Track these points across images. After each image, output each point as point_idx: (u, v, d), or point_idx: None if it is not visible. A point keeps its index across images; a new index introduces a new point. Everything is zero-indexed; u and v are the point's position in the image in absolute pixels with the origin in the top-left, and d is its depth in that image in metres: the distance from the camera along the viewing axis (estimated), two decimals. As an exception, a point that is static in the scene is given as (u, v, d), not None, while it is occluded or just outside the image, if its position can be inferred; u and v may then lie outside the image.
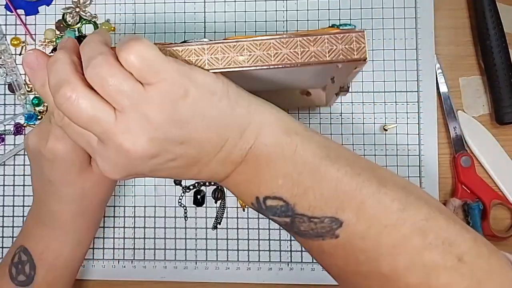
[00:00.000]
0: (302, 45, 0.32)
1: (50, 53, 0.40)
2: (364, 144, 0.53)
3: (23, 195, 0.55)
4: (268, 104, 0.35)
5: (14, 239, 0.55)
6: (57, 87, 0.30)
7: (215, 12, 0.55)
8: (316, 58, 0.32)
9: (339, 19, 0.54)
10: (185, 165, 0.32)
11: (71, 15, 0.55)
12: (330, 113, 0.53)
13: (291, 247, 0.53)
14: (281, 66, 0.33)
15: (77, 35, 0.55)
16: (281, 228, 0.53)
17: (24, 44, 0.56)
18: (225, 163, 0.33)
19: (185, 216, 0.54)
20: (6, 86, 0.56)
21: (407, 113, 0.53)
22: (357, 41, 0.32)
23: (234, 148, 0.33)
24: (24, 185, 0.55)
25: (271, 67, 0.33)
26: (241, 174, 0.34)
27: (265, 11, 0.54)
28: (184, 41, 0.34)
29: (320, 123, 0.53)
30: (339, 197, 0.32)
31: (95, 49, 0.31)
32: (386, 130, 0.53)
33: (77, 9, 0.55)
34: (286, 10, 0.54)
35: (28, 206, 0.55)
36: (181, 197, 0.54)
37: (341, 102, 0.53)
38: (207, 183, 0.54)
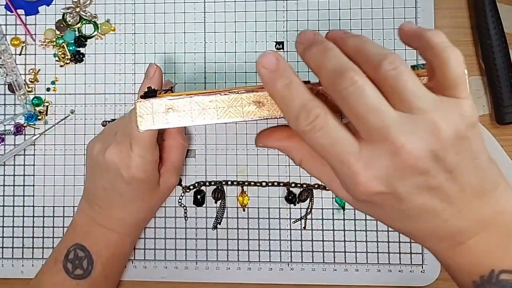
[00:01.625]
0: None
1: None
2: (364, 144, 0.53)
3: (23, 195, 0.55)
4: None
5: (15, 239, 0.55)
6: (338, 72, 0.28)
7: (215, 12, 0.55)
8: None
9: (339, 19, 0.54)
10: (437, 204, 0.29)
11: (71, 15, 0.55)
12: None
13: (291, 247, 0.53)
14: None
15: (77, 35, 0.55)
16: (281, 228, 0.53)
17: (24, 44, 0.56)
18: (473, 220, 0.30)
19: (185, 216, 0.54)
20: (6, 86, 0.56)
21: (407, 113, 0.53)
22: None
23: (486, 205, 0.30)
24: (24, 185, 0.55)
25: None
26: (484, 240, 0.31)
27: (265, 11, 0.54)
28: None
29: (320, 123, 0.53)
30: None
31: (383, 48, 0.29)
32: None
33: (77, 9, 0.55)
34: (286, 10, 0.54)
35: (28, 206, 0.55)
36: (181, 197, 0.54)
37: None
38: (207, 183, 0.54)
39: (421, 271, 0.52)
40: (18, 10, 0.56)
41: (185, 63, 0.55)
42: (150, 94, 0.36)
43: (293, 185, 0.53)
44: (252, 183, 0.54)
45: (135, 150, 0.43)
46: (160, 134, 0.50)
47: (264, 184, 0.54)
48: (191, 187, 0.54)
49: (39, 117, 0.55)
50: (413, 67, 0.35)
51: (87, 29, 0.55)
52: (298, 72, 0.54)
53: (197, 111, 0.34)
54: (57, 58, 0.55)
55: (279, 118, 0.33)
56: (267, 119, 0.33)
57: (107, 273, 0.48)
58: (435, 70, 0.29)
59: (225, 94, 0.33)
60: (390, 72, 0.28)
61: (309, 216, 0.53)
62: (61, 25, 0.55)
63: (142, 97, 0.35)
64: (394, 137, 0.27)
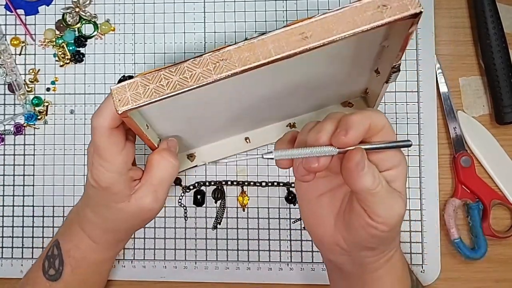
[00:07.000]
0: (358, 12, 0.32)
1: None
2: (364, 144, 0.53)
3: (23, 195, 0.55)
4: None
5: (14, 239, 0.55)
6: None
7: (214, 12, 0.55)
8: (374, 21, 0.32)
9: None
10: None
11: (71, 15, 0.55)
12: (330, 113, 0.53)
13: (291, 247, 0.53)
14: (344, 35, 0.32)
15: (77, 35, 0.55)
16: (280, 228, 0.53)
17: (24, 44, 0.56)
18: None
19: (185, 216, 0.54)
20: (6, 86, 0.56)
21: (407, 113, 0.53)
22: None
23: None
24: (24, 185, 0.55)
25: (325, 43, 0.33)
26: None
27: (265, 11, 0.54)
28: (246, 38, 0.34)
29: (320, 123, 0.53)
30: None
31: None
32: None
33: (77, 9, 0.55)
34: (286, 10, 0.54)
35: (28, 206, 0.55)
36: (181, 197, 0.54)
37: (341, 102, 0.53)
38: (207, 183, 0.54)
39: (421, 271, 0.52)
40: (18, 10, 0.56)
41: (185, 63, 0.55)
42: (124, 80, 0.36)
43: (293, 185, 0.53)
44: (252, 183, 0.54)
45: (95, 158, 0.41)
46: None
47: (264, 184, 0.53)
48: (191, 187, 0.54)
49: (39, 117, 0.55)
50: None
51: (87, 29, 0.55)
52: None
53: (171, 83, 0.34)
54: (57, 58, 0.55)
55: (245, 71, 0.33)
56: (238, 73, 0.33)
57: (80, 278, 0.47)
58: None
59: (192, 59, 0.34)
60: None
61: (309, 216, 0.53)
62: (61, 25, 0.56)
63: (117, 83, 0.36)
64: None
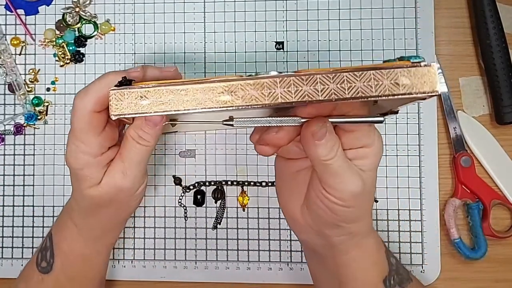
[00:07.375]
0: (376, 78, 0.33)
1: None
2: (364, 144, 0.53)
3: (23, 195, 0.55)
4: None
5: (14, 239, 0.55)
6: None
7: (214, 12, 0.55)
8: (389, 91, 0.33)
9: (339, 19, 0.54)
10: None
11: (71, 15, 0.55)
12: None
13: (291, 247, 0.53)
14: (357, 99, 0.33)
15: (77, 35, 0.55)
16: (281, 228, 0.53)
17: (24, 44, 0.56)
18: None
19: (185, 216, 0.54)
20: (6, 86, 0.56)
21: (407, 113, 0.53)
22: (429, 75, 0.33)
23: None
24: (24, 185, 0.55)
25: (347, 98, 0.33)
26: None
27: (265, 11, 0.54)
28: (256, 73, 0.34)
29: (320, 123, 0.53)
30: None
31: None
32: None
33: (77, 9, 0.55)
34: (286, 10, 0.54)
35: (28, 206, 0.55)
36: (181, 197, 0.54)
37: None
38: (207, 183, 0.54)
39: (421, 271, 0.52)
40: (18, 10, 0.56)
41: (185, 63, 0.55)
42: (124, 83, 0.36)
43: (293, 185, 0.53)
44: (252, 183, 0.54)
45: (71, 137, 0.39)
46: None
47: (264, 184, 0.54)
48: (191, 187, 0.54)
49: (39, 117, 0.55)
50: (385, 61, 0.35)
51: (87, 29, 0.55)
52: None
53: (170, 100, 0.34)
54: (57, 58, 0.55)
55: (254, 107, 0.33)
56: (241, 107, 0.33)
57: (70, 274, 0.45)
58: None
59: (198, 83, 0.34)
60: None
61: (309, 216, 0.53)
62: (61, 25, 0.56)
63: (116, 86, 0.35)
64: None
